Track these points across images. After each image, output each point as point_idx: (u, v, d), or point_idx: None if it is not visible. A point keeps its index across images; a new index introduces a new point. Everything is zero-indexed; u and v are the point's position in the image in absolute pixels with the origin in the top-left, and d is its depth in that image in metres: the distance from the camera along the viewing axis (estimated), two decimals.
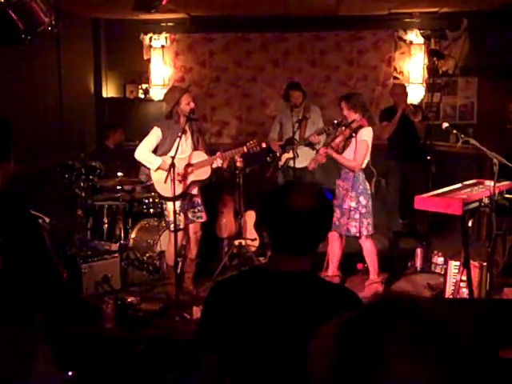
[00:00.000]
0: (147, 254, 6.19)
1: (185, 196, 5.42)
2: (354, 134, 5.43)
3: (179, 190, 5.24)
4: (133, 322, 4.86)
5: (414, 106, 7.34)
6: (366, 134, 5.44)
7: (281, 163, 6.91)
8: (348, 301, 2.02)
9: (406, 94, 7.22)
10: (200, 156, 5.42)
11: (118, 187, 6.31)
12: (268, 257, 2.05)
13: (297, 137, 6.67)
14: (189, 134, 5.37)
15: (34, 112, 6.43)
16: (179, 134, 5.16)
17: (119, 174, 6.37)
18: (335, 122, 5.73)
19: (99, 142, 7.88)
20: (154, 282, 5.99)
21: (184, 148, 5.28)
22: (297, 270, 2.03)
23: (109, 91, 8.64)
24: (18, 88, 6.17)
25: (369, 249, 5.60)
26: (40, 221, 4.40)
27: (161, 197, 5.50)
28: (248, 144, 5.49)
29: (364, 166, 5.52)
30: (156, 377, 4.09)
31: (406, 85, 8.15)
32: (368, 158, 5.51)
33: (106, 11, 7.79)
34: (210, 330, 2.06)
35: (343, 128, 5.57)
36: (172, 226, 5.32)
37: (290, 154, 6.71)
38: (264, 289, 2.02)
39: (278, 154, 6.91)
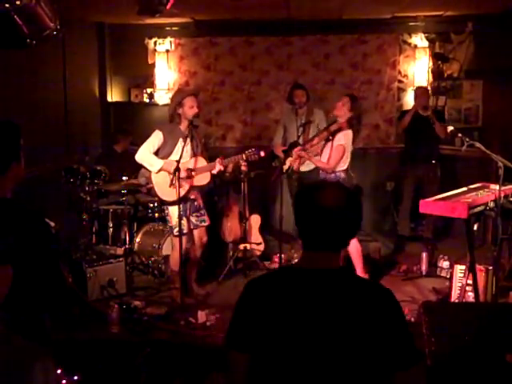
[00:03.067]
0: (152, 258, 6.20)
1: (185, 200, 5.40)
2: (330, 137, 5.49)
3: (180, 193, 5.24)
4: (138, 326, 4.86)
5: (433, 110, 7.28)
6: (343, 139, 5.51)
7: (285, 167, 6.91)
8: (383, 297, 2.05)
9: (426, 96, 7.20)
10: (200, 162, 5.42)
11: (123, 191, 6.31)
12: (300, 256, 2.06)
13: (301, 140, 6.68)
14: (188, 139, 5.33)
15: (39, 116, 6.44)
16: (185, 139, 5.22)
17: (124, 178, 6.37)
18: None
19: (106, 145, 7.87)
20: (159, 286, 5.99)
21: (184, 153, 5.23)
22: (332, 267, 2.05)
23: (114, 95, 8.65)
24: (24, 92, 6.18)
25: (356, 246, 5.62)
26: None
27: (161, 200, 5.50)
28: (247, 152, 5.51)
29: (345, 167, 5.57)
30: (161, 381, 4.08)
31: (412, 88, 8.15)
32: (348, 160, 5.55)
33: (111, 16, 7.80)
34: (242, 330, 2.07)
35: (322, 130, 5.61)
36: (175, 230, 5.34)
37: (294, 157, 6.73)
38: (300, 287, 2.03)
39: (282, 159, 6.91)
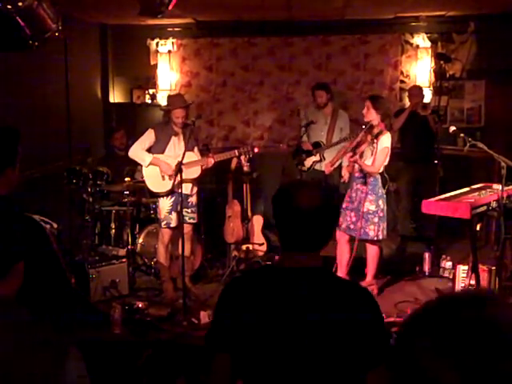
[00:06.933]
0: (155, 259, 6.19)
1: (175, 194, 5.55)
2: (375, 140, 5.43)
3: (169, 186, 5.56)
4: (140, 327, 4.87)
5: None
6: (387, 141, 5.46)
7: (307, 165, 6.96)
8: (361, 296, 2.06)
9: (421, 96, 7.27)
10: (191, 156, 5.61)
11: (126, 192, 6.31)
12: (280, 257, 2.08)
13: (306, 140, 6.78)
14: (181, 136, 5.62)
15: (41, 117, 6.44)
16: (186, 140, 5.47)
17: (126, 179, 6.38)
18: (363, 126, 5.71)
19: (108, 146, 7.86)
20: (161, 287, 5.99)
21: (177, 151, 5.55)
22: (308, 266, 2.04)
23: (116, 96, 8.66)
24: (26, 93, 6.19)
25: (375, 253, 5.62)
26: (48, 226, 4.42)
27: (151, 193, 5.78)
28: (241, 148, 5.75)
29: (381, 170, 5.52)
30: (164, 382, 4.08)
31: None
32: (386, 163, 5.51)
33: (113, 17, 7.81)
34: (223, 329, 2.06)
35: (363, 133, 5.55)
36: (163, 223, 5.64)
37: (317, 157, 6.80)
38: (276, 285, 2.03)
39: (304, 156, 6.96)
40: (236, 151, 5.70)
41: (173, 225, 5.64)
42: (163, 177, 5.55)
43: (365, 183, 5.50)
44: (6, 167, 2.49)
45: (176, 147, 5.57)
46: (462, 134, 4.92)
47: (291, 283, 2.01)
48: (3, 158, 2.49)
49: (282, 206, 2.06)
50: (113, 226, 6.54)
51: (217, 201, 7.27)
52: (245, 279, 2.19)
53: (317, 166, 6.94)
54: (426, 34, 8.13)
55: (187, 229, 5.66)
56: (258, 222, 6.69)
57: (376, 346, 1.99)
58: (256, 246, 6.53)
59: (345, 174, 5.76)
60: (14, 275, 2.41)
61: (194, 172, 5.61)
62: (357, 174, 5.61)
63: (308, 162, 6.96)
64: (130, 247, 6.28)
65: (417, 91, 7.27)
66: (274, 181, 7.44)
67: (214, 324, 2.13)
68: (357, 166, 5.56)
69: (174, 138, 5.58)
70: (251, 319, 2.00)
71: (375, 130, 5.45)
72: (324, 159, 6.82)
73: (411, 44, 8.23)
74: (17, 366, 1.43)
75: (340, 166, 6.24)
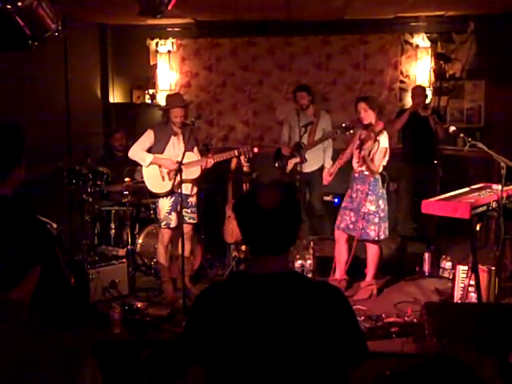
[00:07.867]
0: (154, 260, 6.19)
1: (175, 194, 5.56)
2: (378, 139, 5.42)
3: (169, 187, 5.56)
4: (140, 327, 4.86)
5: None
6: (385, 142, 5.47)
7: (289, 168, 6.92)
8: (332, 296, 2.05)
9: (423, 96, 7.22)
10: (191, 157, 5.60)
11: (125, 192, 6.31)
12: (249, 261, 2.08)
13: (305, 141, 6.73)
14: (181, 136, 5.61)
15: (41, 117, 6.44)
16: (186, 141, 5.49)
17: (126, 179, 6.37)
18: (343, 125, 5.71)
19: (107, 146, 7.87)
20: (161, 288, 5.99)
21: (176, 151, 5.55)
22: (278, 271, 2.04)
23: (115, 96, 8.66)
24: (26, 93, 6.19)
25: (375, 252, 5.61)
26: (47, 226, 4.41)
27: (150, 193, 5.75)
28: (240, 148, 5.72)
29: (380, 170, 5.52)
30: (164, 382, 4.08)
31: None
32: (384, 163, 5.51)
33: (113, 17, 7.81)
34: (195, 342, 2.04)
35: (359, 131, 5.53)
36: (163, 223, 5.64)
37: (298, 159, 6.75)
38: (247, 293, 2.02)
39: (285, 160, 6.92)
40: (236, 151, 5.68)
41: (172, 225, 5.64)
42: (163, 177, 5.55)
43: (366, 183, 5.49)
44: (15, 166, 2.49)
45: (175, 147, 5.57)
46: (461, 134, 4.92)
47: (260, 291, 2.00)
48: (11, 157, 2.49)
49: (243, 208, 2.06)
50: (112, 226, 6.54)
51: (217, 201, 7.26)
52: (215, 290, 2.16)
53: (298, 168, 6.88)
54: (426, 33, 8.14)
55: (187, 229, 5.65)
56: None
57: (352, 344, 2.00)
58: None
59: (326, 178, 5.79)
60: (31, 279, 2.40)
61: (193, 172, 5.60)
62: (356, 175, 5.60)
63: (290, 164, 6.92)
64: (129, 247, 6.27)
65: (420, 91, 7.24)
66: None
67: (185, 337, 2.10)
68: (357, 165, 5.56)
69: (173, 138, 5.58)
70: (224, 330, 1.98)
71: (377, 128, 5.45)
72: (306, 160, 6.75)
73: (411, 44, 8.23)
74: (30, 369, 1.43)
75: (340, 169, 6.23)
